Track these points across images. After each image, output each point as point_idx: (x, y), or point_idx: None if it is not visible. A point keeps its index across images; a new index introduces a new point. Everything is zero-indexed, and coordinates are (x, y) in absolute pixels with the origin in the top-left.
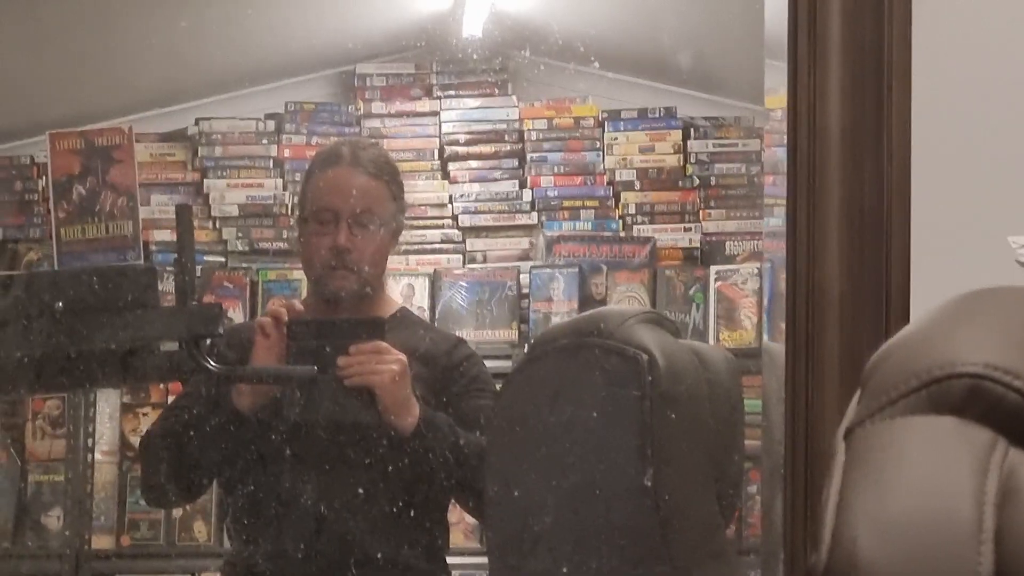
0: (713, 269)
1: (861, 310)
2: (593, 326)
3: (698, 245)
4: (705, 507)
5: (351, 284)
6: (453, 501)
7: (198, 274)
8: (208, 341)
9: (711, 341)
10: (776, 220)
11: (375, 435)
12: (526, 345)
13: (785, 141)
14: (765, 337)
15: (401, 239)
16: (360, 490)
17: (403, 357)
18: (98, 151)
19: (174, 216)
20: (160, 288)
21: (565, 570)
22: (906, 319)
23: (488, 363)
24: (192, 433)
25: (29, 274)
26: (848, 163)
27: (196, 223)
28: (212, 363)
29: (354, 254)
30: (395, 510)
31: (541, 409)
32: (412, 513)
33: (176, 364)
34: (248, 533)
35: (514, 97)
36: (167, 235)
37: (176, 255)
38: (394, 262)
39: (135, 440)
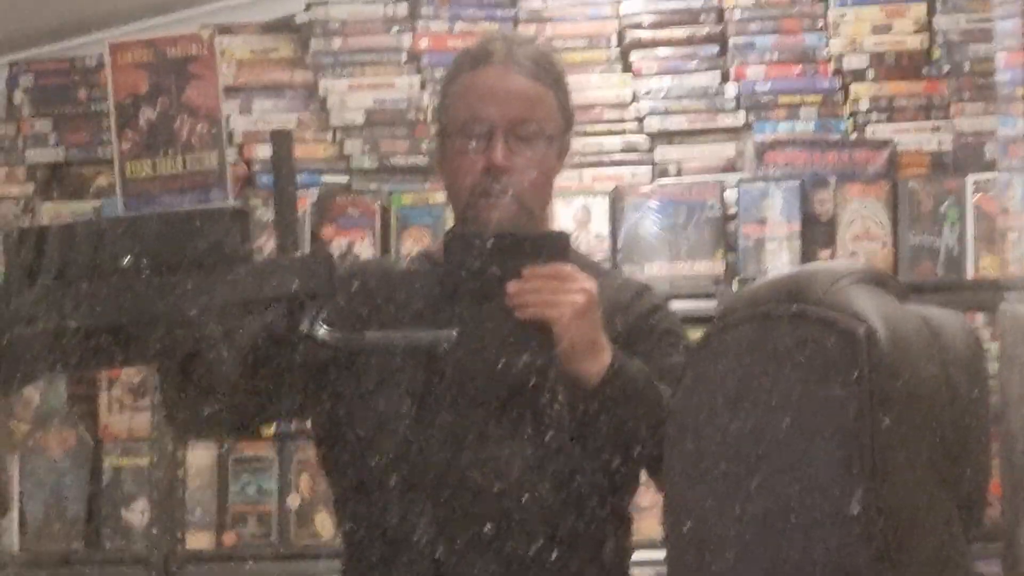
0: (970, 178)
1: None
2: (793, 290)
3: (950, 148)
4: (939, 530)
5: (510, 212)
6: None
7: (314, 199)
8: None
9: (970, 269)
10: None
11: (552, 383)
12: (735, 280)
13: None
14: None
15: (574, 148)
16: (526, 460)
17: (591, 285)
18: (171, 64)
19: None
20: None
21: None
22: None
23: (688, 304)
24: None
25: (85, 222)
26: None
27: (311, 135)
28: (320, 329)
29: (514, 175)
30: (574, 489)
31: (724, 406)
32: (594, 493)
33: (275, 330)
34: (366, 526)
35: None
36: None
37: (275, 194)
38: (565, 178)
39: None
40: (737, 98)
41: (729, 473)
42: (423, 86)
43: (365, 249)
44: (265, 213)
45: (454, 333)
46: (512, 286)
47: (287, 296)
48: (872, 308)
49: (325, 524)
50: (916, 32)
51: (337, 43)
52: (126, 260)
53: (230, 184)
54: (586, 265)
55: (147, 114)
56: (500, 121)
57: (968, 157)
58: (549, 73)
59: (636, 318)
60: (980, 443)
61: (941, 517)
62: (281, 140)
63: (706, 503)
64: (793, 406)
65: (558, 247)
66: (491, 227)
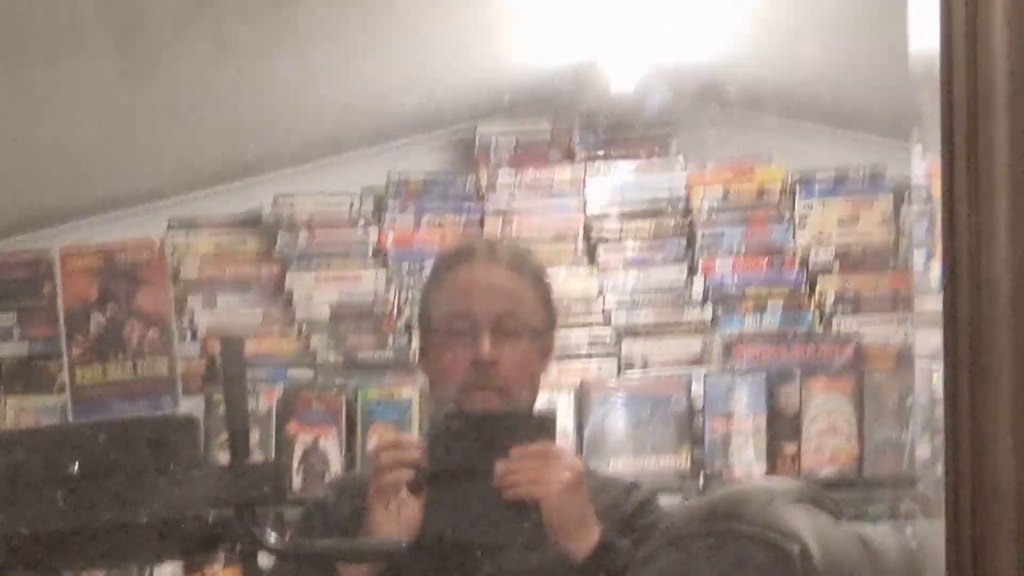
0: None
1: None
2: (731, 508)
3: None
4: None
5: (499, 407)
6: None
7: (280, 394)
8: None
9: (939, 467)
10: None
11: (542, 562)
12: (700, 475)
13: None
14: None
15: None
16: None
17: (578, 463)
18: (121, 270)
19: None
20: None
21: None
22: None
23: None
24: None
25: (35, 430)
26: None
27: (277, 329)
28: (270, 537)
29: (502, 369)
30: None
31: None
32: None
33: (226, 537)
34: None
35: (680, 159)
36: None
37: (225, 403)
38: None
39: None
40: (704, 292)
41: None
42: (389, 281)
43: (331, 444)
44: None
45: (403, 542)
46: (500, 466)
47: (237, 502)
48: (807, 527)
49: None
50: (883, 224)
51: (303, 237)
52: (74, 467)
53: (180, 390)
54: None
55: (97, 319)
56: (485, 316)
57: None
58: (531, 270)
59: (623, 516)
60: None
61: None
62: (231, 347)
63: None
64: None
65: (545, 426)
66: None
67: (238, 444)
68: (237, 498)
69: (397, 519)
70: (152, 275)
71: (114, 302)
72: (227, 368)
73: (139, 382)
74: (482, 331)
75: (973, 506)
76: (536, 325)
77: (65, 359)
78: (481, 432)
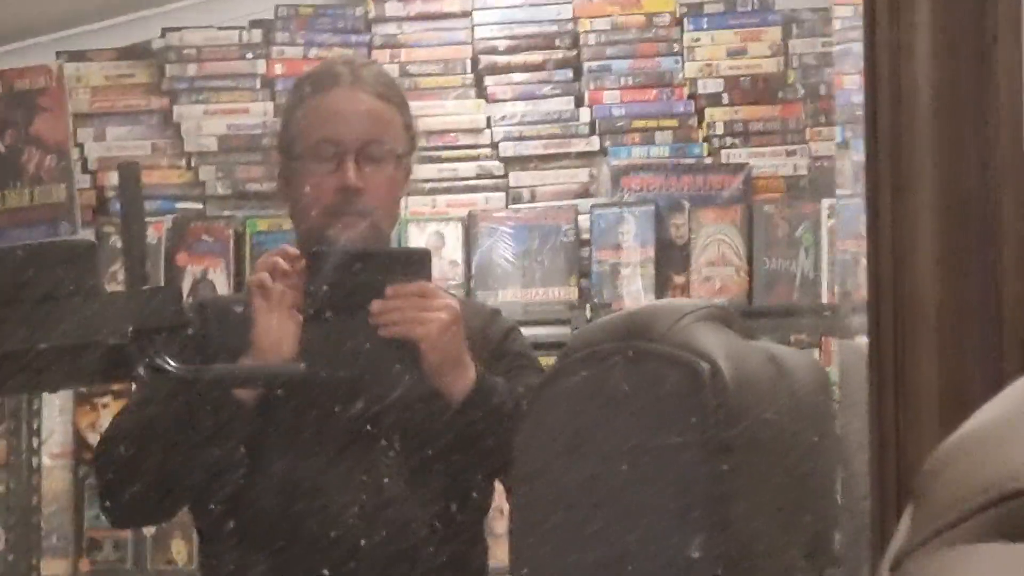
0: (825, 203)
1: (966, 328)
2: (636, 327)
3: (805, 172)
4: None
5: (364, 233)
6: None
7: (169, 225)
8: (167, 333)
9: (824, 293)
10: (858, 155)
11: (418, 402)
12: (587, 306)
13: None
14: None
15: (428, 174)
16: (390, 479)
17: (454, 302)
18: (18, 97)
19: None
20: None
21: None
22: None
23: (542, 330)
24: (166, 431)
25: None
26: (945, 130)
27: (166, 161)
28: (168, 363)
29: (367, 195)
30: (437, 508)
31: (563, 452)
32: (450, 518)
33: (125, 362)
34: (215, 566)
35: None
36: None
37: (121, 227)
38: (419, 204)
39: (93, 439)
40: (592, 123)
41: (567, 521)
42: (277, 112)
43: (219, 276)
44: (118, 241)
45: (301, 365)
46: (376, 305)
47: (136, 328)
48: (717, 345)
49: (180, 550)
50: (771, 56)
51: (192, 69)
52: None
53: (79, 216)
54: None
55: None
56: (351, 142)
57: (823, 181)
58: (395, 94)
59: (488, 342)
60: (827, 482)
61: (783, 563)
62: (128, 172)
63: (544, 549)
64: (632, 450)
65: (421, 264)
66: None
67: (135, 270)
68: (137, 323)
69: (280, 341)
70: (50, 101)
71: (12, 128)
72: (124, 193)
73: (37, 209)
74: (347, 157)
75: (895, 319)
76: (400, 151)
77: None
78: (355, 269)
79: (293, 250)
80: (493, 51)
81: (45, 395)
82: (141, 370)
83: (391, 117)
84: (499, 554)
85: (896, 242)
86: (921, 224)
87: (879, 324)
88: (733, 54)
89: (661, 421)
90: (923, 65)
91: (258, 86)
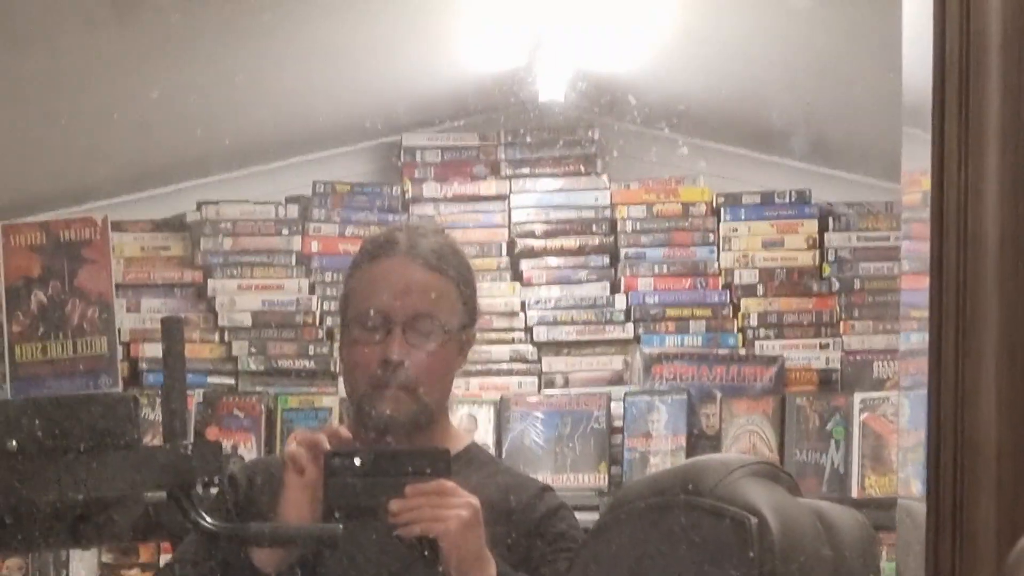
0: (857, 397)
1: None
2: (687, 480)
3: (838, 366)
4: None
5: (405, 408)
6: None
7: (200, 399)
8: (203, 490)
9: (854, 488)
10: (917, 337)
11: None
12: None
13: (929, 237)
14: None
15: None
16: None
17: (475, 500)
18: (64, 248)
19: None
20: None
21: None
22: None
23: None
24: None
25: None
26: (1009, 274)
27: (199, 335)
28: (206, 519)
29: (410, 369)
30: None
31: None
32: None
33: (161, 520)
34: None
35: (604, 177)
36: (160, 350)
37: (164, 382)
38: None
39: None
40: (627, 310)
41: None
42: (312, 289)
43: (250, 451)
44: (150, 412)
45: (340, 527)
46: (395, 504)
47: (171, 485)
48: (763, 499)
49: None
50: (808, 248)
51: (227, 243)
52: (12, 444)
53: (119, 369)
54: (488, 461)
55: (38, 297)
56: (398, 314)
57: (856, 375)
58: (452, 266)
59: (534, 520)
60: None
61: None
62: (172, 326)
63: None
64: None
65: (440, 461)
66: (385, 421)
67: (175, 425)
68: (176, 479)
69: (310, 501)
70: (94, 253)
71: (56, 279)
72: (168, 347)
73: (79, 360)
74: (394, 329)
75: (955, 460)
76: (453, 325)
77: (5, 336)
78: (374, 469)
79: (346, 432)
80: (530, 235)
81: (71, 565)
82: (181, 525)
83: (445, 290)
84: None
85: (959, 381)
86: (985, 367)
87: (938, 465)
88: (769, 245)
89: (712, 566)
90: (991, 208)
91: (293, 262)
